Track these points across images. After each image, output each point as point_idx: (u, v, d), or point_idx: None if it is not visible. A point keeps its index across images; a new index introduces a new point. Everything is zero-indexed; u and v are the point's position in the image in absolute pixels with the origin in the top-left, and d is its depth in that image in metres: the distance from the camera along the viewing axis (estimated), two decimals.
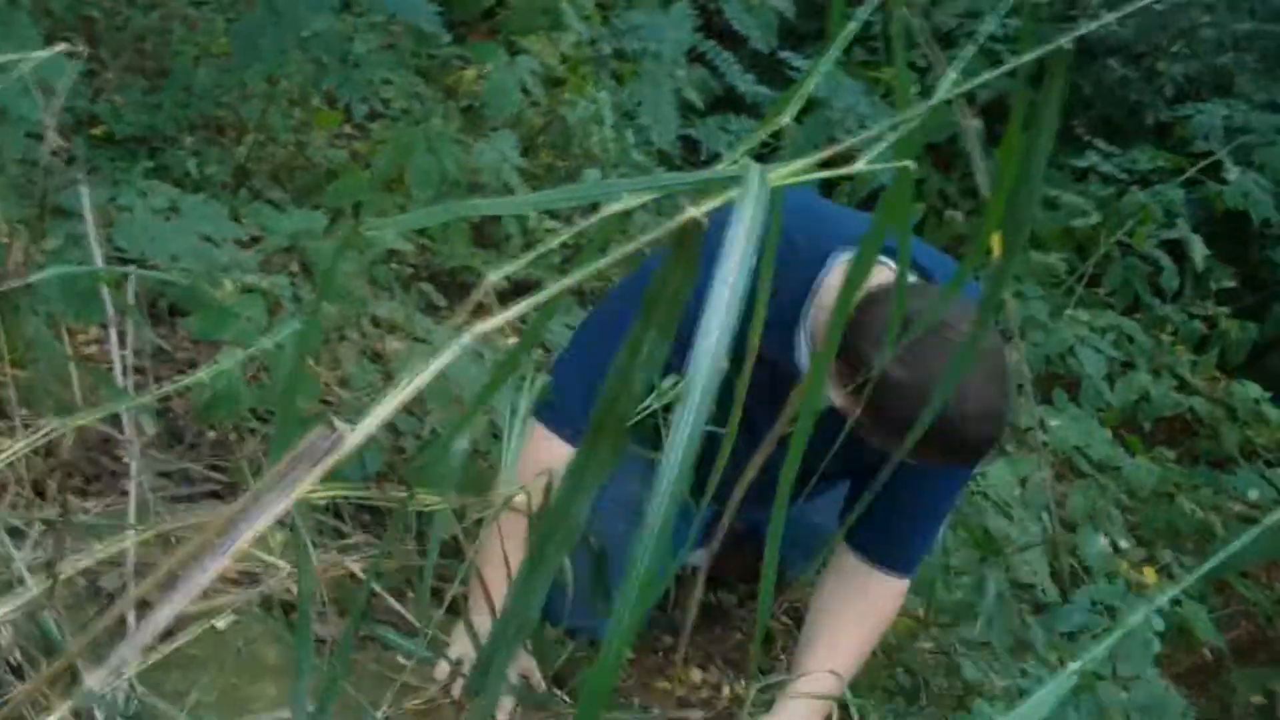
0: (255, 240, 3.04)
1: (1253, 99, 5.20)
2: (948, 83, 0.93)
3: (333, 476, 2.22)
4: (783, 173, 0.82)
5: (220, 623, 1.68)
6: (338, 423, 0.70)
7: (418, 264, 3.52)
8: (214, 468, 2.43)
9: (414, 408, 2.50)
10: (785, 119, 0.98)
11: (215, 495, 2.37)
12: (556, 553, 0.94)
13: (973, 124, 5.08)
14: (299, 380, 0.82)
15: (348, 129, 4.31)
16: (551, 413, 2.02)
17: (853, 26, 1.08)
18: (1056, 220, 4.65)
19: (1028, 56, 0.92)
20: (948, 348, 1.80)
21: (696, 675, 2.44)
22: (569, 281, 0.87)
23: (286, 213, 2.89)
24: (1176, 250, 4.70)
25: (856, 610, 2.19)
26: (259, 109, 3.76)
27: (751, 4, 4.11)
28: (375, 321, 3.15)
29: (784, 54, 4.05)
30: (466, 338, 0.73)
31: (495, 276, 0.79)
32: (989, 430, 1.88)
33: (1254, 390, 4.16)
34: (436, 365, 0.70)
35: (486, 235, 3.82)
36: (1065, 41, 0.92)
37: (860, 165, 0.87)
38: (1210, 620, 3.25)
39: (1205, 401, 4.24)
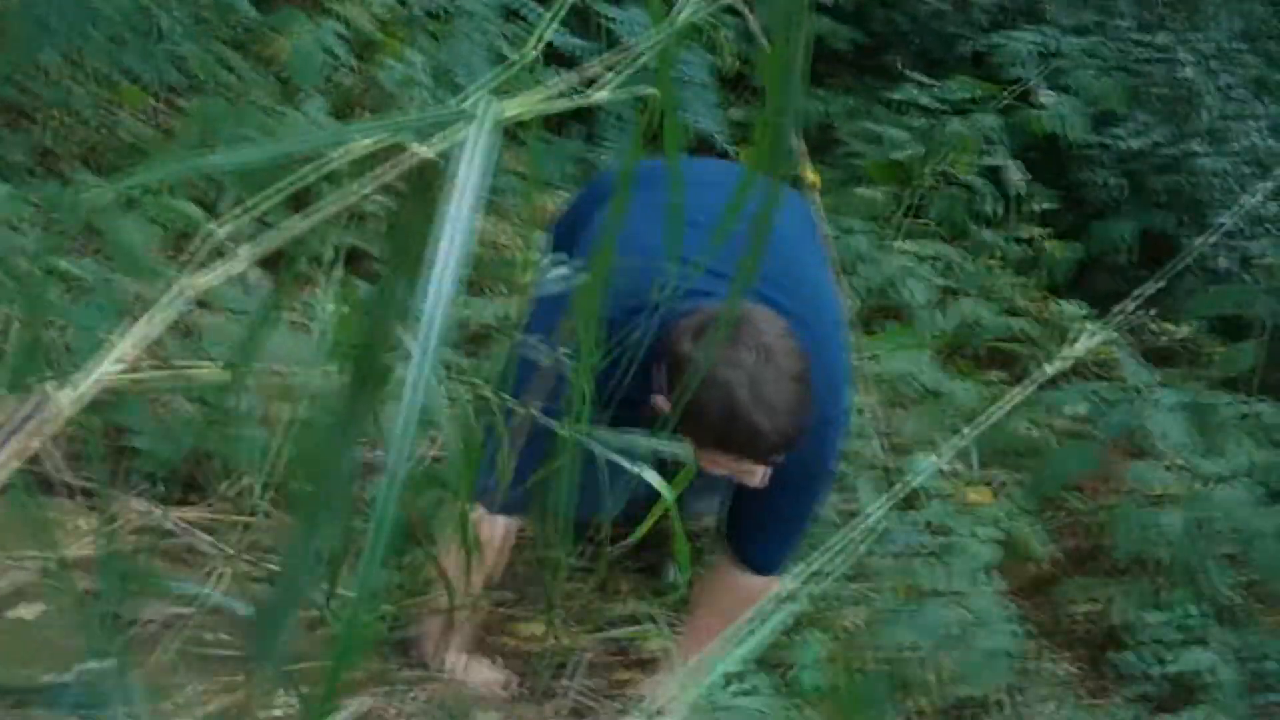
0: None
1: (1062, 24, 5.32)
2: (683, 5, 0.92)
3: (147, 455, 2.13)
4: (515, 105, 0.81)
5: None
6: (48, 388, 0.68)
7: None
8: None
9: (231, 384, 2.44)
10: (532, 53, 0.96)
11: None
12: (334, 497, 0.92)
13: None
14: (32, 352, 0.79)
15: (160, 105, 4.19)
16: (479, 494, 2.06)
17: None
18: (879, 154, 4.71)
19: None
20: (738, 353, 2.05)
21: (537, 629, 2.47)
22: (304, 225, 0.85)
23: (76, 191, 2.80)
24: (998, 177, 4.80)
25: (724, 605, 2.38)
26: (63, 91, 3.63)
27: None
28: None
29: (597, 4, 4.02)
30: (189, 292, 0.71)
31: (222, 232, 0.77)
32: (784, 425, 2.06)
33: (1078, 308, 4.27)
34: (146, 326, 0.68)
35: (303, 200, 3.74)
36: None
37: (604, 93, 0.86)
38: (1042, 534, 3.35)
39: (1033, 322, 4.34)
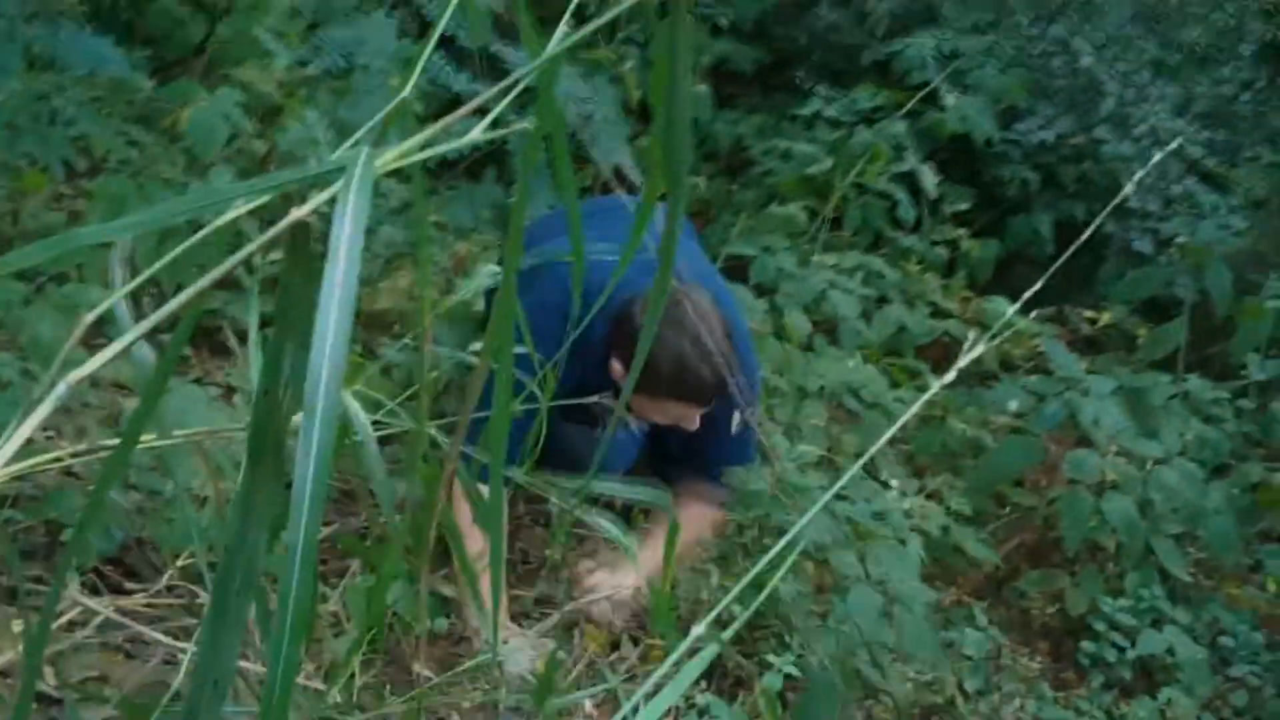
0: None
1: (959, 26, 5.37)
2: (559, 37, 0.90)
3: (80, 548, 2.06)
4: (389, 158, 0.78)
5: None
6: None
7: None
8: None
9: (156, 464, 2.40)
10: (405, 93, 0.94)
11: None
12: (239, 598, 0.89)
13: (700, 89, 5.14)
14: None
15: (65, 190, 4.12)
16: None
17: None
18: (791, 170, 4.72)
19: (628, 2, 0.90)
20: (681, 317, 2.63)
21: None
22: (190, 292, 0.82)
23: None
24: (912, 182, 4.83)
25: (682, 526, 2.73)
26: None
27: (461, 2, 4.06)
28: (115, 384, 3.02)
29: (496, 48, 4.00)
30: (65, 384, 0.67)
31: (98, 311, 0.74)
32: (721, 372, 2.64)
33: (1003, 304, 4.29)
34: (13, 432, 0.65)
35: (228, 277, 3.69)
36: None
37: (474, 134, 0.84)
38: (982, 539, 3.35)
39: (959, 323, 4.37)
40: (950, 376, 0.99)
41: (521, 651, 2.68)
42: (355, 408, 1.06)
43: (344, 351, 0.74)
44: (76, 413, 2.85)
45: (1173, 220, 4.75)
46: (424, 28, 4.64)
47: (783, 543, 0.82)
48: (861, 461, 1.05)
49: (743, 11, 5.46)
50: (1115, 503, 3.28)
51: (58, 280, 3.15)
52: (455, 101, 4.42)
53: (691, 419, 2.79)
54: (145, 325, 0.72)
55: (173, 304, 0.74)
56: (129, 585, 2.54)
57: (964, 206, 4.93)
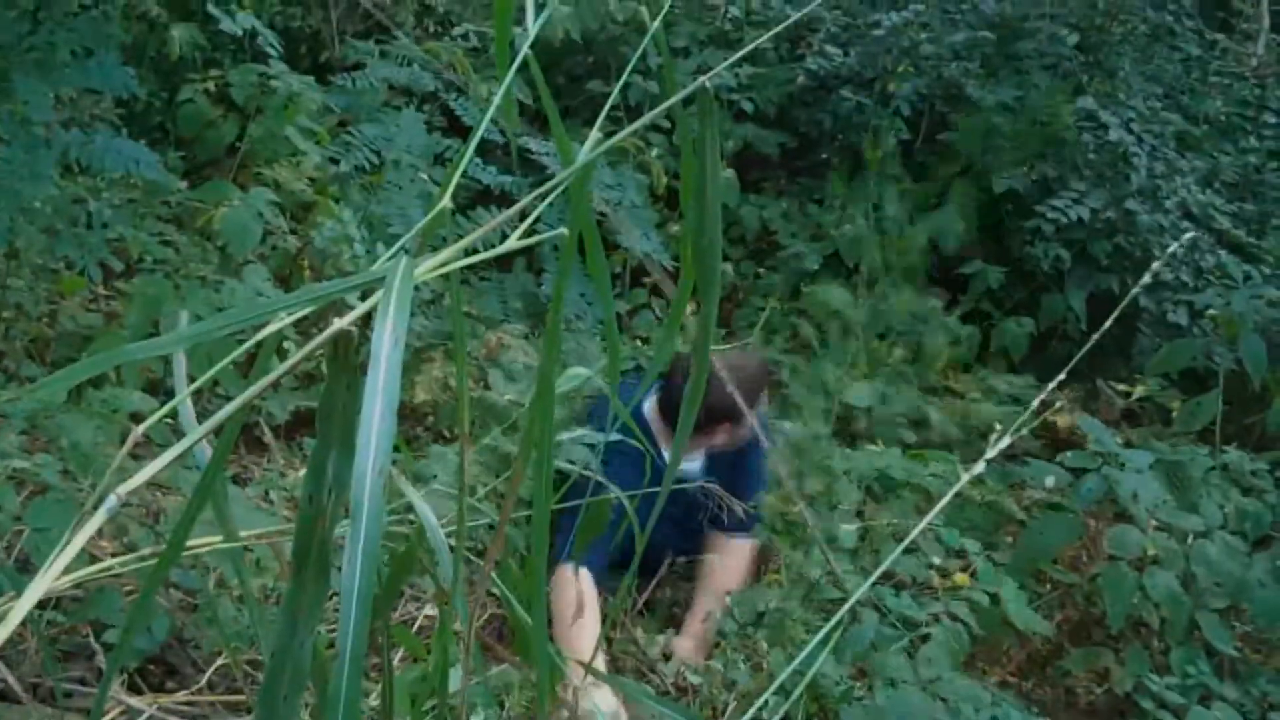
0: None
1: (981, 104, 5.40)
2: (591, 141, 0.92)
3: (118, 644, 2.06)
4: (428, 268, 0.80)
5: None
6: None
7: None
8: None
9: (195, 563, 2.41)
10: (446, 203, 0.96)
11: None
12: (292, 690, 0.90)
13: (726, 174, 5.19)
14: None
15: (101, 290, 4.18)
16: (562, 554, 3.06)
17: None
18: (818, 253, 4.76)
19: (671, 100, 0.92)
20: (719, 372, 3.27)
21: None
22: (237, 404, 0.84)
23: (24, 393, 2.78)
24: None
25: (724, 564, 3.41)
26: (1, 286, 3.62)
27: (482, 98, 4.14)
28: (153, 481, 3.05)
29: (522, 139, 4.05)
30: (114, 499, 0.69)
31: (141, 429, 0.75)
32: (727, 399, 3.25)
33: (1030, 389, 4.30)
34: (64, 547, 0.66)
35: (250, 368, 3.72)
36: (705, 80, 0.93)
37: (511, 242, 0.85)
38: (1030, 608, 3.32)
39: (994, 404, 4.37)
40: (984, 462, 1.00)
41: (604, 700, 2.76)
42: (419, 502, 1.07)
43: (387, 456, 0.75)
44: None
45: (1205, 291, 4.74)
46: (451, 121, 4.72)
47: (827, 648, 0.82)
48: (904, 542, 1.06)
49: (766, 96, 5.53)
50: (1158, 578, 3.24)
51: (94, 383, 3.20)
52: (484, 193, 4.48)
53: (729, 434, 3.38)
54: (200, 432, 0.74)
55: (225, 411, 0.75)
56: (169, 684, 2.54)
57: (995, 284, 4.94)
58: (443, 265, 0.84)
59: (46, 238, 3.60)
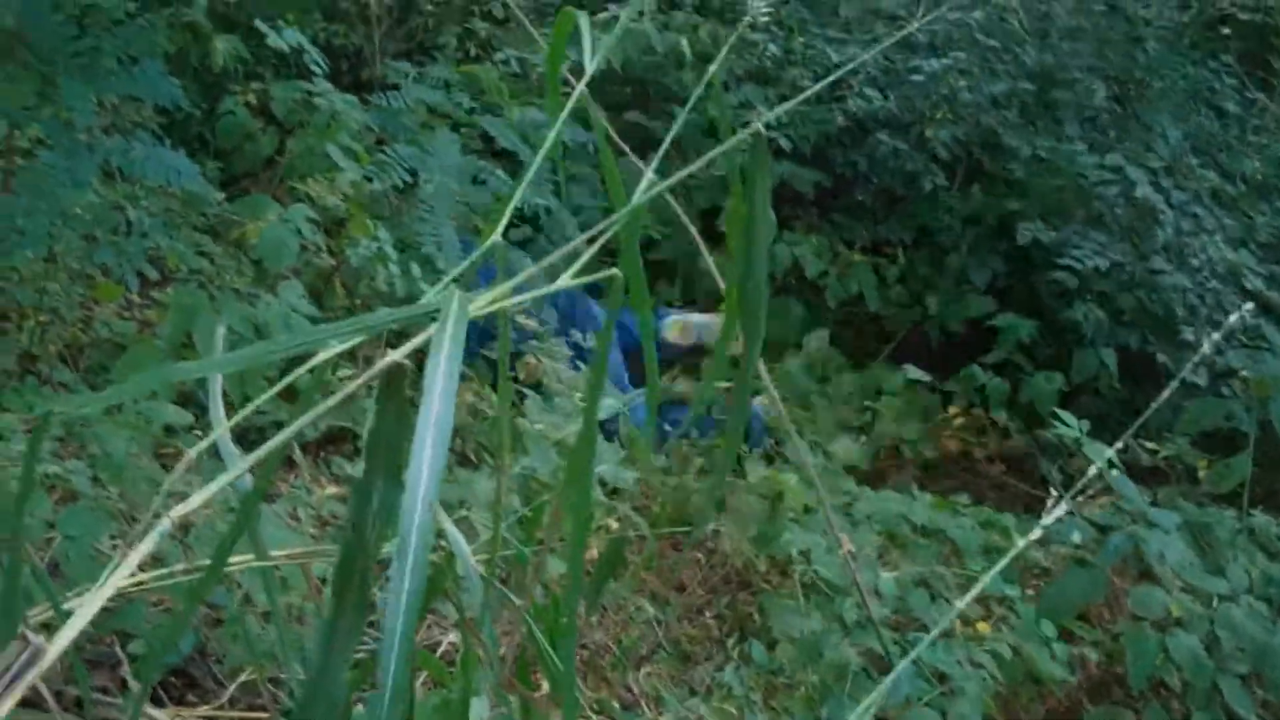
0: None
1: (1019, 154, 5.41)
2: (645, 184, 0.93)
3: (146, 659, 2.07)
4: (481, 303, 0.80)
5: None
6: (31, 636, 0.66)
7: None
8: None
9: (224, 579, 2.42)
10: (496, 238, 0.96)
11: None
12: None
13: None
14: (11, 594, 0.77)
15: (136, 298, 4.20)
16: None
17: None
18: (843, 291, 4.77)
19: (727, 144, 0.92)
20: None
21: None
22: (285, 436, 0.84)
23: (57, 397, 2.80)
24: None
25: None
26: (35, 292, 3.64)
27: (511, 121, 4.18)
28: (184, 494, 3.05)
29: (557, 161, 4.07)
30: (167, 522, 0.69)
31: (197, 450, 0.76)
32: None
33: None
34: (116, 569, 0.66)
35: (294, 389, 3.74)
36: (757, 124, 0.93)
37: (563, 280, 0.86)
38: (1058, 661, 3.29)
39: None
40: (1034, 536, 0.99)
41: None
42: (451, 528, 1.07)
43: (437, 490, 0.75)
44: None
45: (1229, 352, 4.71)
46: (487, 143, 4.74)
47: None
48: (964, 602, 1.05)
49: (803, 134, 5.53)
50: (1181, 641, 3.21)
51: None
52: (520, 216, 4.49)
53: None
54: (251, 459, 0.74)
55: (273, 442, 0.75)
56: (190, 696, 2.54)
57: (1028, 337, 4.93)
58: (495, 301, 0.85)
59: (85, 243, 3.62)
